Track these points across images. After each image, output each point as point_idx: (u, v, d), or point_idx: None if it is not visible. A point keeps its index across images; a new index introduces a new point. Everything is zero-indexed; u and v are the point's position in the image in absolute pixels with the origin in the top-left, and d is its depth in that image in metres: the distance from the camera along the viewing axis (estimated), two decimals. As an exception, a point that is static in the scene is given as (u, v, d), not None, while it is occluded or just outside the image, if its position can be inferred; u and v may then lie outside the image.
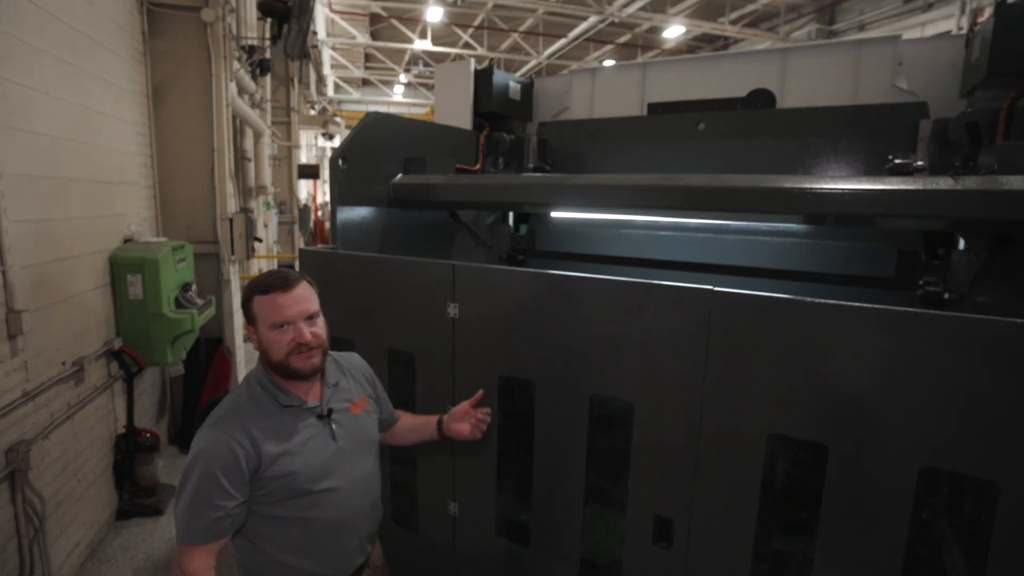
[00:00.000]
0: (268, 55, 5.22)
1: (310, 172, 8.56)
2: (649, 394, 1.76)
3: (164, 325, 3.42)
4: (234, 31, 4.27)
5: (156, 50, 3.90)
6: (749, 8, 11.37)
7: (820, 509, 1.54)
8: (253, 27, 4.62)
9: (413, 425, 1.92)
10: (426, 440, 1.92)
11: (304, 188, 11.38)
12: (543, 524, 2.08)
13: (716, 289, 1.63)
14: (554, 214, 3.40)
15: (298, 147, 8.43)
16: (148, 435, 3.51)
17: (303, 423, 1.48)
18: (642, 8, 10.64)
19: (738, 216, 2.55)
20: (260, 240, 4.70)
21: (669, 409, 1.73)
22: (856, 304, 1.43)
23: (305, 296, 1.46)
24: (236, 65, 4.29)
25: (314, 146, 12.83)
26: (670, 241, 3.14)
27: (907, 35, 2.88)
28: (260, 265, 7.66)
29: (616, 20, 10.71)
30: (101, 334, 3.32)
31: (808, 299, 1.50)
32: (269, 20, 4.85)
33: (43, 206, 2.77)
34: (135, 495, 3.48)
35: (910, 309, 1.39)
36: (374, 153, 2.76)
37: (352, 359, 1.78)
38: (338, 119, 9.34)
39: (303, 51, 5.37)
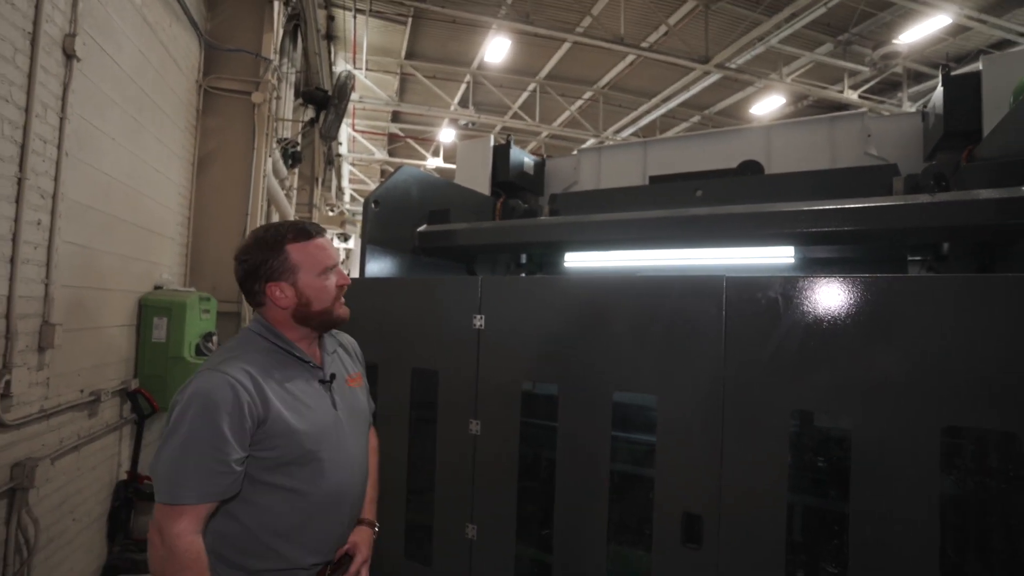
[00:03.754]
0: (300, 148, 5.78)
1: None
2: (672, 385, 1.82)
3: (182, 369, 3.46)
4: (275, 113, 4.80)
5: (207, 126, 4.38)
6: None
7: (849, 476, 1.56)
8: (290, 113, 5.20)
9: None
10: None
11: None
12: (567, 533, 2.02)
13: (729, 276, 1.78)
14: (567, 265, 3.60)
15: (314, 241, 8.85)
16: (150, 483, 3.39)
17: (308, 383, 1.38)
18: (634, 133, 11.83)
19: (741, 247, 2.74)
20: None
21: (692, 397, 1.78)
22: (863, 275, 1.57)
23: None
24: (274, 145, 4.78)
25: (328, 246, 13.43)
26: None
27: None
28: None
29: (612, 143, 11.83)
30: (120, 372, 3.36)
31: (815, 276, 1.64)
32: (304, 108, 5.52)
33: (91, 235, 2.98)
34: (127, 548, 3.28)
35: (912, 275, 1.53)
36: (403, 203, 3.03)
37: (347, 338, 1.68)
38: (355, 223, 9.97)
39: (337, 135, 5.94)
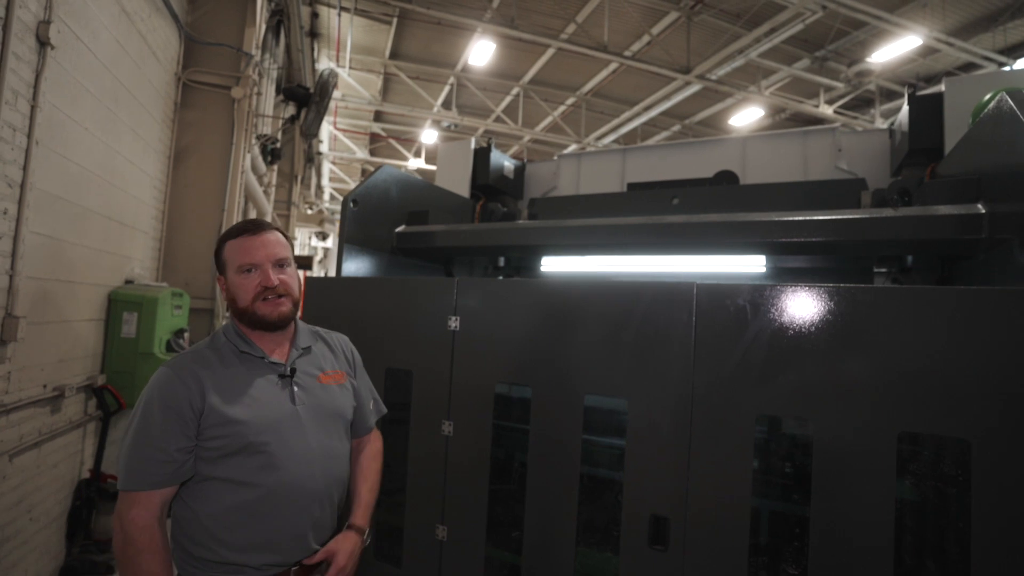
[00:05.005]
0: (279, 145, 5.72)
1: (304, 263, 8.84)
2: (643, 388, 1.85)
3: (152, 365, 3.39)
4: (255, 109, 4.76)
5: (184, 119, 4.32)
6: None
7: (810, 480, 1.60)
8: (271, 109, 5.15)
9: (358, 474, 1.65)
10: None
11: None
12: (537, 535, 2.04)
13: (699, 283, 1.82)
14: (544, 269, 3.64)
15: (294, 239, 8.82)
16: (114, 481, 3.32)
17: (262, 377, 1.40)
18: (615, 140, 11.97)
19: (714, 255, 2.79)
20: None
21: (662, 401, 1.81)
22: (827, 285, 1.62)
23: (274, 241, 1.44)
24: (253, 140, 4.72)
25: (307, 245, 13.36)
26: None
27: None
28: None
29: (593, 149, 11.95)
30: (86, 368, 3.28)
31: (781, 284, 1.69)
32: (285, 104, 5.49)
33: (60, 226, 2.92)
34: (86, 549, 3.19)
35: (873, 286, 1.58)
36: (383, 203, 3.03)
37: (340, 337, 1.71)
38: (335, 222, 9.89)
39: (318, 132, 5.91)
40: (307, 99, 5.25)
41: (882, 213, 2.14)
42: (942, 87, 2.65)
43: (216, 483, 1.31)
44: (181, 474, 1.28)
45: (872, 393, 1.54)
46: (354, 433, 1.64)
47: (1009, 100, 1.73)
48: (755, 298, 1.71)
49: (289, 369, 1.44)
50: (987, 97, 2.38)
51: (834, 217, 2.19)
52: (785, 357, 1.65)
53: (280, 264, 1.43)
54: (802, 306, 1.64)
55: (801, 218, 2.24)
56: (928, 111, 2.66)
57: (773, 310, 1.68)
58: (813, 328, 1.62)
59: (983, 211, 1.89)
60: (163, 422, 1.26)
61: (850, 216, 2.19)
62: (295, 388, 1.43)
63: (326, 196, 13.84)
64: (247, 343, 1.41)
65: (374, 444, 1.72)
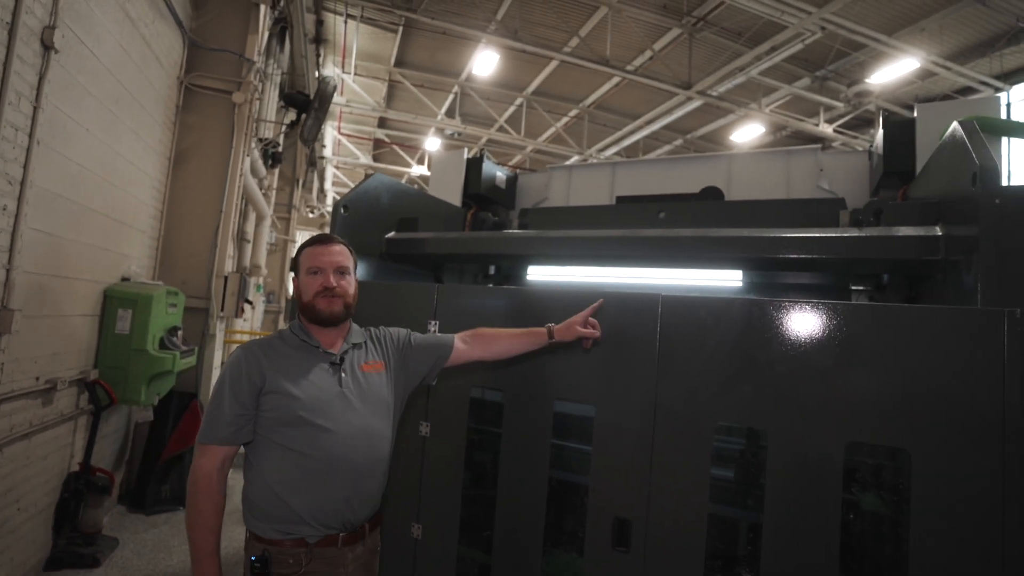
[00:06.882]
0: (280, 149, 5.83)
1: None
2: (609, 396, 1.91)
3: (145, 362, 3.47)
4: (255, 114, 4.87)
5: (185, 122, 4.43)
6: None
7: (764, 487, 1.66)
8: (273, 114, 5.26)
9: (512, 336, 1.94)
10: (532, 348, 1.95)
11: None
12: (507, 535, 2.09)
13: (664, 294, 1.89)
14: (529, 278, 3.71)
15: (294, 242, 8.92)
16: (103, 475, 3.38)
17: (316, 364, 1.67)
18: (617, 152, 12.07)
19: (696, 268, 2.85)
20: (250, 302, 4.88)
21: (627, 408, 1.88)
22: (789, 299, 1.68)
23: (339, 252, 1.73)
24: (253, 144, 4.83)
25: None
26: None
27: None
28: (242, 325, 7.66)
29: (594, 161, 12.05)
30: (79, 362, 3.36)
31: (741, 298, 1.76)
32: (286, 109, 5.61)
33: (59, 223, 3.01)
34: (73, 542, 3.25)
35: (836, 301, 1.65)
36: (374, 209, 3.10)
37: (390, 332, 1.92)
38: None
39: (316, 138, 6.01)
40: (306, 105, 5.36)
41: (847, 232, 2.21)
42: (915, 112, 2.73)
43: (278, 449, 1.56)
44: (241, 436, 1.57)
45: (823, 404, 1.60)
46: (445, 358, 1.93)
47: (960, 128, 1.80)
48: (716, 311, 1.78)
49: (339, 358, 1.70)
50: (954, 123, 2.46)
51: (799, 235, 2.26)
52: (742, 369, 1.72)
53: (340, 271, 1.71)
54: (758, 320, 1.71)
55: (769, 235, 2.31)
56: (901, 135, 2.73)
57: (732, 323, 1.75)
58: (768, 341, 1.69)
59: (940, 233, 1.96)
60: (230, 392, 1.56)
61: (815, 234, 2.25)
62: (343, 374, 1.68)
63: (329, 200, 13.96)
64: (307, 335, 1.70)
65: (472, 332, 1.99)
